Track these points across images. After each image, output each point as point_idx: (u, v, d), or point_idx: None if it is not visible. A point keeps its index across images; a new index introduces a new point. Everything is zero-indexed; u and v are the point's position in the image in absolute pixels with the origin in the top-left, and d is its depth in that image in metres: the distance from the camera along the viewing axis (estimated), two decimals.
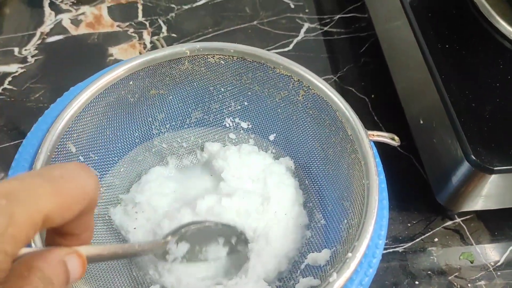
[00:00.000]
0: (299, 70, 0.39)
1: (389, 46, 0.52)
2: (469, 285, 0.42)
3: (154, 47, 0.42)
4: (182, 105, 0.44)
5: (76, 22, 0.60)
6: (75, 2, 0.61)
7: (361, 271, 0.31)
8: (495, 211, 0.42)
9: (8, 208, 0.16)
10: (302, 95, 0.40)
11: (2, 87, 0.53)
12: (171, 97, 0.43)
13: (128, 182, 0.43)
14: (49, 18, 0.60)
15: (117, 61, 0.56)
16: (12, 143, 0.49)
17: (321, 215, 0.40)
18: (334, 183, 0.39)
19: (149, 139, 0.44)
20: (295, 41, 0.59)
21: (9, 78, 0.54)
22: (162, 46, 0.41)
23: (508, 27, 0.43)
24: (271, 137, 0.44)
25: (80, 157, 0.38)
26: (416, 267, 0.43)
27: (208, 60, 0.41)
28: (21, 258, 0.18)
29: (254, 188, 0.40)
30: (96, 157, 0.40)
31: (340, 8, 0.63)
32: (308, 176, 0.42)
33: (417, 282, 0.42)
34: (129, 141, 0.43)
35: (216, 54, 0.41)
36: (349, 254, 0.30)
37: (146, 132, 0.44)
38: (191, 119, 0.45)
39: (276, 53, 0.57)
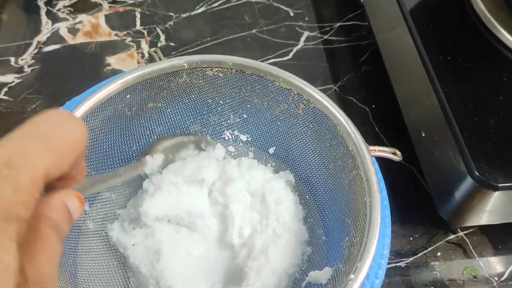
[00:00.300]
0: (299, 83, 0.39)
1: (390, 55, 0.52)
2: None
3: (151, 59, 0.41)
4: (180, 118, 0.43)
5: (73, 31, 0.59)
6: (72, 10, 0.61)
7: None
8: (498, 225, 0.42)
9: (12, 177, 0.17)
10: (302, 108, 0.40)
11: None
12: (169, 110, 0.42)
13: (125, 197, 0.42)
14: (46, 27, 0.59)
15: (114, 70, 0.55)
16: None
17: (322, 231, 0.39)
18: (335, 198, 0.38)
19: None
20: (294, 49, 0.59)
21: (5, 89, 0.53)
22: (160, 58, 0.40)
23: (511, 38, 0.42)
24: (271, 150, 0.44)
25: None
26: (419, 282, 0.42)
27: (207, 72, 0.40)
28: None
29: (253, 204, 0.39)
30: (93, 172, 0.39)
31: (340, 16, 0.63)
32: (309, 191, 0.41)
33: None
34: (126, 155, 0.42)
35: (215, 67, 0.40)
36: (352, 276, 0.30)
37: (144, 145, 0.43)
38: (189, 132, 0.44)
39: (276, 62, 0.58)
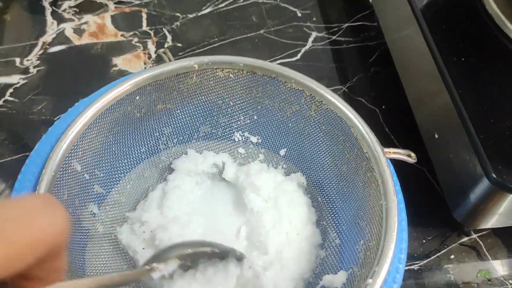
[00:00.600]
0: (312, 84, 0.38)
1: (400, 55, 0.51)
2: None
3: (160, 59, 0.41)
4: (189, 120, 0.43)
5: (79, 31, 0.58)
6: (77, 10, 0.60)
7: None
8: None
9: None
10: (315, 109, 0.39)
11: (3, 99, 0.52)
12: (178, 111, 0.42)
13: (135, 200, 0.42)
14: (51, 28, 0.58)
15: (121, 71, 0.55)
16: (14, 157, 0.48)
17: (335, 234, 0.38)
18: (348, 201, 0.38)
19: (156, 154, 0.43)
20: (302, 50, 0.58)
21: (11, 90, 0.53)
22: (170, 59, 0.40)
23: None
24: (282, 152, 0.43)
25: (86, 175, 0.37)
26: (433, 286, 0.42)
27: (217, 74, 0.40)
28: None
29: (265, 208, 0.38)
30: (102, 175, 0.39)
31: (348, 16, 0.62)
32: (321, 193, 0.41)
33: None
34: (135, 156, 0.42)
35: (225, 68, 0.39)
36: (369, 280, 0.29)
37: (153, 147, 0.42)
38: (199, 133, 0.44)
39: (284, 62, 0.57)
